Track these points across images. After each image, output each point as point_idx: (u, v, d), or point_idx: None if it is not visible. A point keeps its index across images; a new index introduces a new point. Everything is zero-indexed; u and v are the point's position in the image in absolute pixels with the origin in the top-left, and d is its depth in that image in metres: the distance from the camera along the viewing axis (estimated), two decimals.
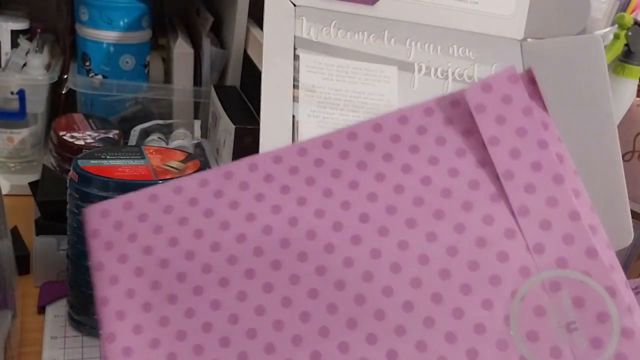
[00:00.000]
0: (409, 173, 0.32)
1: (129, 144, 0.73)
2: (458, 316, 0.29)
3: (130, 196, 0.33)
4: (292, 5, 0.60)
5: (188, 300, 0.31)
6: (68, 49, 0.83)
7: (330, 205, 0.32)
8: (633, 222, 0.55)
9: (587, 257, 0.29)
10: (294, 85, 0.58)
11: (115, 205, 0.33)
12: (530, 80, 0.33)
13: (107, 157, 0.52)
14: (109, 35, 0.77)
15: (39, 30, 0.81)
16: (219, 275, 0.31)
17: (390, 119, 0.33)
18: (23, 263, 0.61)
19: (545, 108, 0.33)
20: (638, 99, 0.67)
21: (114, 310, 0.31)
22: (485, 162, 0.32)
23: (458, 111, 0.33)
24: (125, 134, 0.73)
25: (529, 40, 0.67)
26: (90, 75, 0.79)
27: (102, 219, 0.33)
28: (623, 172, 0.56)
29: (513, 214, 0.31)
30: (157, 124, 0.76)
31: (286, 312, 0.30)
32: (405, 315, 0.30)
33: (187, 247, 0.32)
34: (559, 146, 0.33)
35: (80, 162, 0.50)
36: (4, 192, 0.63)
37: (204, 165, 0.54)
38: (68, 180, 0.51)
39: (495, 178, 0.31)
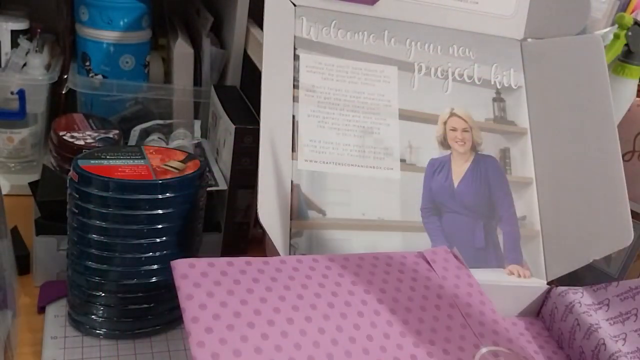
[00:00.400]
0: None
1: (129, 144, 0.73)
2: None
3: (212, 259, 0.44)
4: (292, 5, 0.60)
5: (263, 328, 0.40)
6: (68, 49, 0.83)
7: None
8: (633, 222, 0.55)
9: (508, 342, 0.48)
10: (294, 85, 0.58)
11: (200, 262, 0.43)
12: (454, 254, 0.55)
13: (107, 157, 0.52)
14: (109, 35, 0.77)
15: (39, 30, 0.81)
16: (287, 316, 0.42)
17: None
18: (23, 263, 0.61)
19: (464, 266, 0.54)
20: (638, 99, 0.67)
21: (204, 326, 0.39)
22: (442, 287, 0.51)
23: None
24: (125, 134, 0.73)
25: (529, 40, 0.67)
26: (90, 75, 0.79)
27: (190, 268, 0.43)
28: (623, 172, 0.56)
29: (463, 316, 0.49)
30: (157, 124, 0.76)
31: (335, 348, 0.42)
32: None
33: (261, 295, 0.43)
34: (474, 282, 0.53)
35: (80, 162, 0.50)
36: (4, 192, 0.63)
37: (204, 165, 0.54)
38: (68, 180, 0.51)
39: (450, 296, 0.50)
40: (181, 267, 0.43)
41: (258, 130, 0.52)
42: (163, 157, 0.55)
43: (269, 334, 0.40)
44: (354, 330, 0.43)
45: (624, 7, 0.89)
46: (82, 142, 0.67)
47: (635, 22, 0.64)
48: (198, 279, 0.42)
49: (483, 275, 0.59)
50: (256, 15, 0.76)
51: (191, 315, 0.40)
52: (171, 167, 0.53)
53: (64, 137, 0.68)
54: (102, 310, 0.53)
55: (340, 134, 0.58)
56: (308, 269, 0.47)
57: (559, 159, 0.62)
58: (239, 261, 0.45)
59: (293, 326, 0.41)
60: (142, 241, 0.50)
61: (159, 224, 0.50)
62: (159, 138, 0.74)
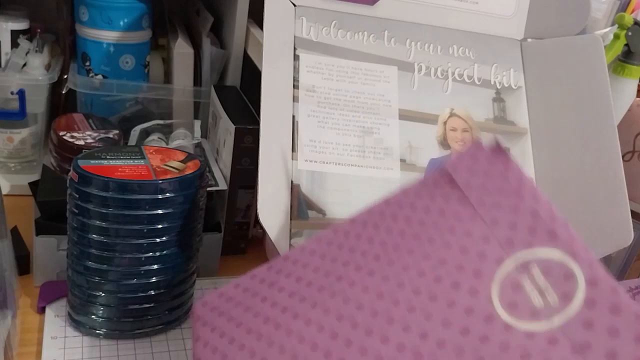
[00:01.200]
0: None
1: (129, 144, 0.73)
2: (451, 306, 0.36)
3: (224, 288, 0.44)
4: (292, 5, 0.60)
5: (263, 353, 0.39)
6: (68, 49, 0.83)
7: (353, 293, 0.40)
8: (633, 222, 0.55)
9: (550, 238, 0.36)
10: (294, 85, 0.58)
11: (212, 295, 0.44)
12: (499, 148, 0.39)
13: (107, 157, 0.53)
14: (109, 35, 0.78)
15: (39, 30, 0.81)
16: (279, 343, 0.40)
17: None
18: (23, 263, 0.61)
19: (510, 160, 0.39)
20: (638, 99, 0.67)
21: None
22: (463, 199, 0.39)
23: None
24: (125, 134, 0.73)
25: (529, 40, 0.67)
26: (90, 75, 0.79)
27: (202, 307, 0.44)
28: (623, 172, 0.56)
29: (487, 224, 0.38)
30: (157, 124, 0.76)
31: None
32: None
33: (264, 313, 0.41)
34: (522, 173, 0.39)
35: (80, 162, 0.50)
36: (4, 192, 0.63)
37: (204, 165, 0.54)
38: (68, 180, 0.51)
39: (470, 205, 0.39)
40: (197, 307, 0.45)
41: (258, 130, 0.52)
42: (163, 157, 0.55)
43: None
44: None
45: (624, 7, 0.89)
46: (82, 142, 0.67)
47: (635, 22, 0.64)
48: (206, 316, 0.44)
49: None
50: (256, 15, 0.76)
51: (197, 357, 0.42)
52: (171, 167, 0.53)
53: (64, 137, 0.68)
54: (102, 310, 0.53)
55: (340, 134, 0.58)
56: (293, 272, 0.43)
57: (559, 159, 0.62)
58: (245, 278, 0.44)
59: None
60: (142, 241, 0.50)
61: (159, 224, 0.51)
62: (159, 138, 0.74)
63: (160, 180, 0.50)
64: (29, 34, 0.79)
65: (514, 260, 0.36)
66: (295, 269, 0.43)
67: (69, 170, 0.51)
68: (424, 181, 0.41)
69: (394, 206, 0.41)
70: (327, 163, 0.57)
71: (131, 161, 0.53)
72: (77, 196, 0.50)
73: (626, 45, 0.65)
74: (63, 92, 0.81)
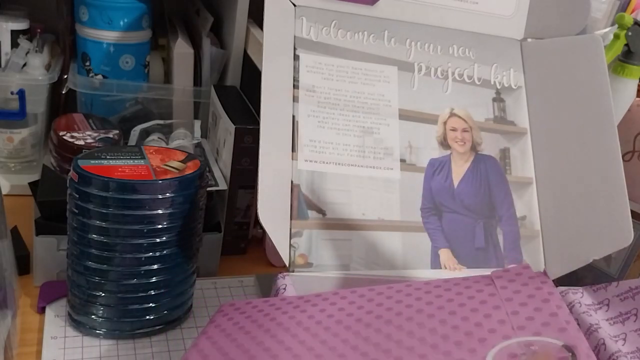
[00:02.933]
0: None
1: (129, 144, 0.73)
2: (447, 355, 0.40)
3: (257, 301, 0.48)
4: (292, 5, 0.60)
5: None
6: (68, 49, 0.83)
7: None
8: (633, 222, 0.55)
9: (559, 332, 0.40)
10: (294, 85, 0.58)
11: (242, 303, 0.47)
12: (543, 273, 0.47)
13: (107, 157, 0.53)
14: (109, 35, 0.78)
15: (39, 30, 0.81)
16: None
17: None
18: (23, 263, 0.61)
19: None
20: (638, 99, 0.67)
21: None
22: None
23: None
24: (125, 134, 0.73)
25: (529, 40, 0.67)
26: (90, 75, 0.79)
27: (229, 306, 0.47)
28: (623, 172, 0.56)
29: (507, 314, 0.43)
30: (157, 124, 0.76)
31: None
32: None
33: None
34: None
35: (80, 162, 0.50)
36: (4, 192, 0.63)
37: (204, 165, 0.54)
38: (68, 180, 0.51)
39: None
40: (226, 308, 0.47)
41: (258, 130, 0.52)
42: (163, 157, 0.55)
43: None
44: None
45: (624, 7, 0.89)
46: (82, 142, 0.68)
47: (635, 22, 0.64)
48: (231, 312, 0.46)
49: None
50: (256, 15, 0.76)
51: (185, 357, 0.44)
52: (171, 167, 0.53)
53: (64, 137, 0.68)
54: (102, 310, 0.53)
55: (340, 134, 0.58)
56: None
57: (559, 159, 0.62)
58: (264, 302, 0.47)
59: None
60: (142, 241, 0.50)
61: (159, 224, 0.51)
62: (159, 138, 0.74)
63: (160, 180, 0.50)
64: (29, 34, 0.79)
65: (519, 339, 0.40)
66: (325, 306, 0.46)
67: (69, 170, 0.51)
68: (467, 277, 0.48)
69: (434, 284, 0.47)
70: (327, 163, 0.57)
71: (131, 161, 0.53)
72: (77, 196, 0.50)
73: (626, 45, 0.65)
74: (63, 92, 0.81)
